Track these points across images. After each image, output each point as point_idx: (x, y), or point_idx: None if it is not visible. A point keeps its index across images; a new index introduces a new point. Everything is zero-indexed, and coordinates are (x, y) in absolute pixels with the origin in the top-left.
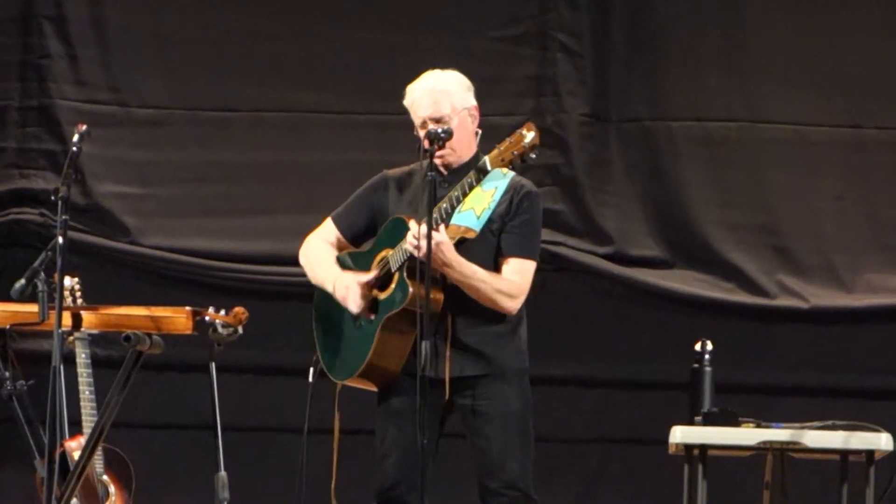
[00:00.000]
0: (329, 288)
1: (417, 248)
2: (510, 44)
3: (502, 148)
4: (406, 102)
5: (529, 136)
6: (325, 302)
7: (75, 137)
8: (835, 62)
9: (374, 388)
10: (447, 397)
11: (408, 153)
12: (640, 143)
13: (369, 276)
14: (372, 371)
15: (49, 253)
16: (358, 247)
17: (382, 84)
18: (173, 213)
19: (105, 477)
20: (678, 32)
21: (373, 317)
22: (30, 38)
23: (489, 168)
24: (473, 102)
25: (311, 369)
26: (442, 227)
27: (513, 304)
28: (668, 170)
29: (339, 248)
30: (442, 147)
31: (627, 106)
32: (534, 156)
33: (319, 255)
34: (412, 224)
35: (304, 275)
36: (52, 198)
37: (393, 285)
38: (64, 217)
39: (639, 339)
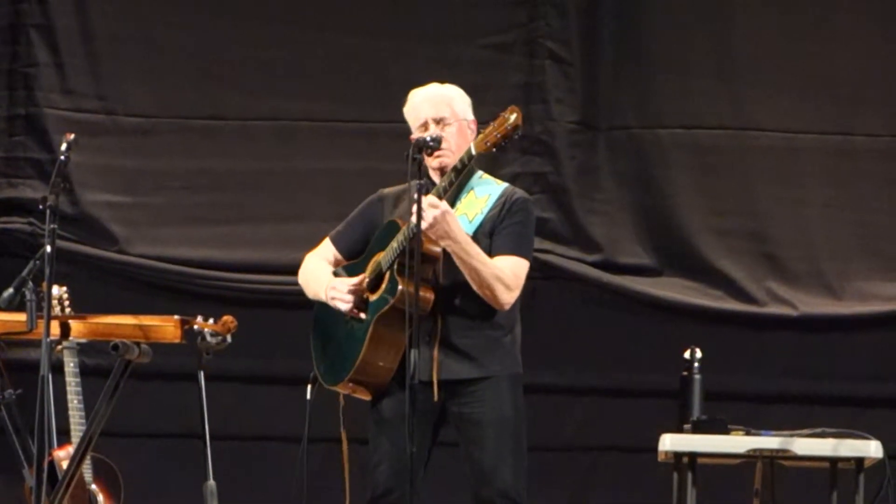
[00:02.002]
0: (322, 295)
1: (425, 216)
2: (499, 52)
3: (486, 132)
4: (406, 108)
5: (512, 117)
6: (322, 315)
7: (63, 146)
8: (824, 70)
9: (368, 397)
10: (436, 399)
11: (396, 161)
12: (629, 150)
13: (359, 278)
14: (364, 373)
15: (37, 262)
16: None
17: (370, 92)
18: (161, 222)
19: (94, 486)
20: (667, 40)
21: (363, 316)
22: (17, 47)
23: (474, 152)
24: (472, 117)
25: (309, 386)
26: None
27: (508, 297)
28: (657, 177)
29: (337, 265)
30: (430, 154)
31: (616, 114)
32: (517, 136)
33: (314, 271)
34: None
35: (292, 283)
36: (41, 207)
37: (384, 285)
38: (52, 226)
39: (628, 347)
